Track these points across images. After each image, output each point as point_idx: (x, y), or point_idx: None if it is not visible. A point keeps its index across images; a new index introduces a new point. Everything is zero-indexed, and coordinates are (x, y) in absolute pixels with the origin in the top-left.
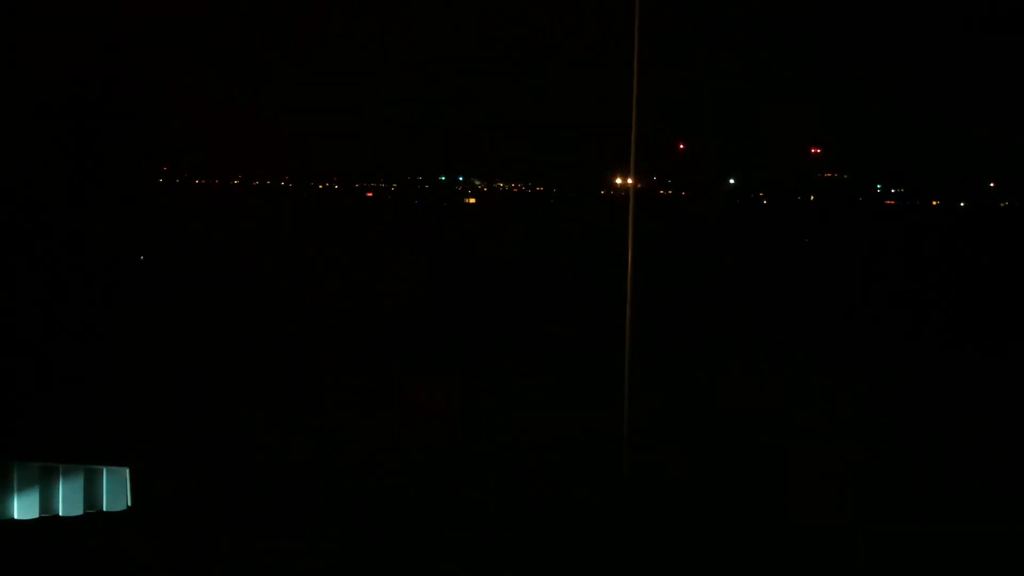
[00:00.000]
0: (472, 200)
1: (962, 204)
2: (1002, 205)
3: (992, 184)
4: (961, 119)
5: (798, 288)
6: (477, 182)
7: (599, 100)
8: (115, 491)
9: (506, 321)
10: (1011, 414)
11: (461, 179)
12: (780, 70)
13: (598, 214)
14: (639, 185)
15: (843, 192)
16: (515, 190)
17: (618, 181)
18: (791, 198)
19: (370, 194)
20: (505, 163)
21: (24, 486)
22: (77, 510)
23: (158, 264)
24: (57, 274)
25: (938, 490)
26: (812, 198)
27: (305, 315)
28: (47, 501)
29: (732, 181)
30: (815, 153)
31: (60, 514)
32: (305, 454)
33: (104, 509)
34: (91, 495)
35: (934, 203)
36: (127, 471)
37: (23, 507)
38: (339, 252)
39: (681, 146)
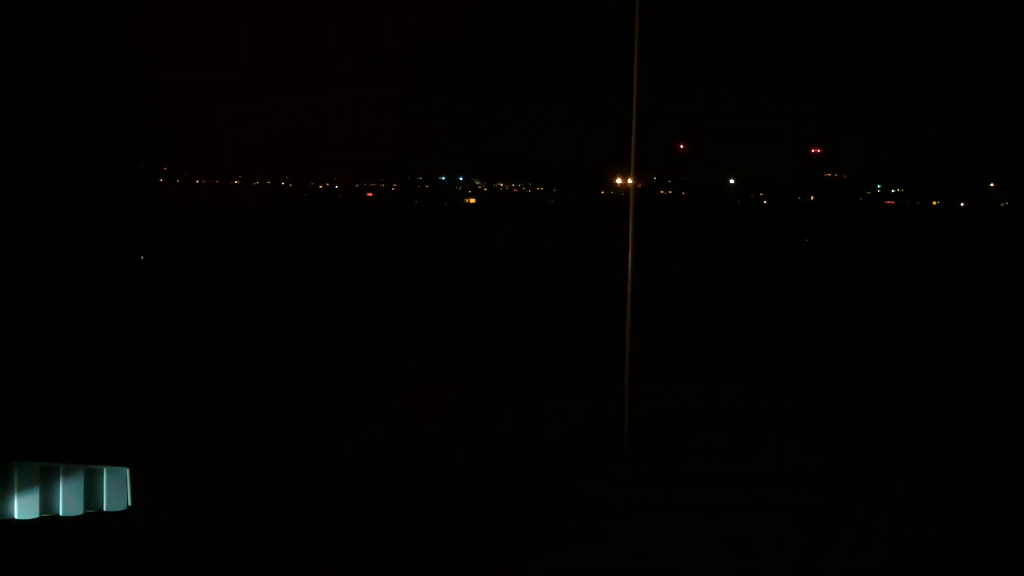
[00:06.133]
0: (472, 200)
1: (962, 204)
2: (1002, 205)
3: (992, 184)
4: (961, 119)
5: (798, 288)
6: (477, 182)
7: (599, 100)
8: (115, 491)
9: (506, 319)
10: (1011, 414)
11: (461, 179)
12: (781, 70)
13: (598, 214)
14: (639, 185)
15: (843, 192)
16: (515, 190)
17: (618, 181)
18: (791, 198)
19: (370, 194)
20: (505, 163)
21: (24, 486)
22: (77, 510)
23: (158, 264)
24: (57, 274)
25: (937, 485)
26: (812, 198)
27: (306, 314)
28: (47, 501)
29: (732, 181)
30: (815, 153)
31: (60, 514)
32: (305, 454)
33: (104, 509)
34: (91, 495)
35: (934, 203)
36: (127, 471)
37: (23, 507)
38: (340, 251)
39: (681, 146)
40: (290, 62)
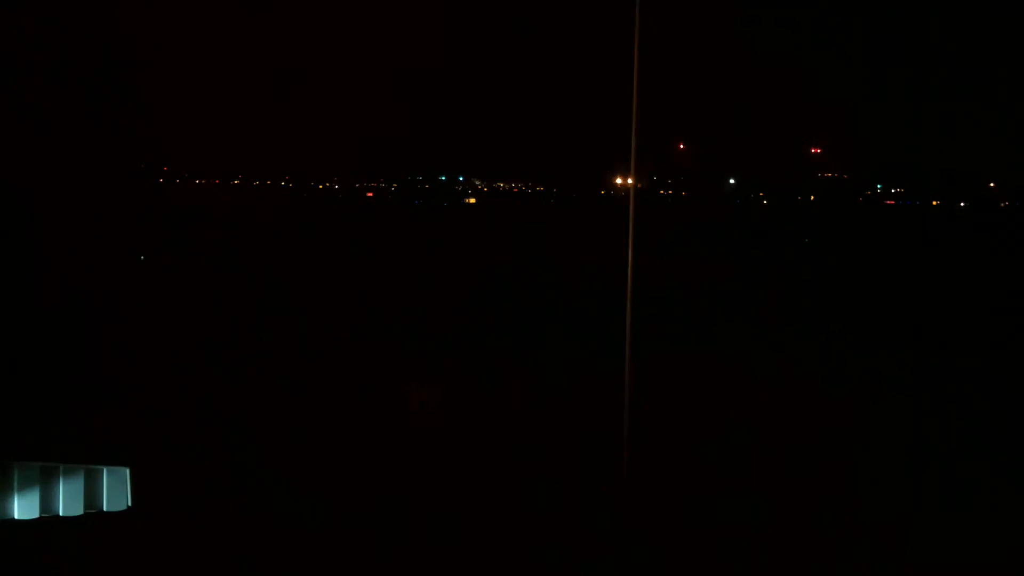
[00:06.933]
0: (472, 200)
1: (962, 204)
2: (1002, 205)
3: (992, 184)
4: (961, 119)
5: (798, 288)
6: (477, 182)
7: (599, 100)
8: (115, 491)
9: (506, 320)
10: (1010, 413)
11: (461, 179)
12: (781, 70)
13: (598, 214)
14: (639, 185)
15: (843, 192)
16: (515, 190)
17: (618, 181)
18: (791, 198)
19: (370, 194)
20: (505, 163)
21: (24, 486)
22: (77, 510)
23: (158, 264)
24: (57, 274)
25: (938, 487)
26: (812, 198)
27: (306, 315)
28: (47, 501)
29: (732, 181)
30: (815, 153)
31: (60, 514)
32: (305, 454)
33: (104, 509)
34: (91, 495)
35: (934, 203)
36: (127, 471)
37: (23, 507)
38: (339, 252)
39: (681, 146)
40: (290, 62)
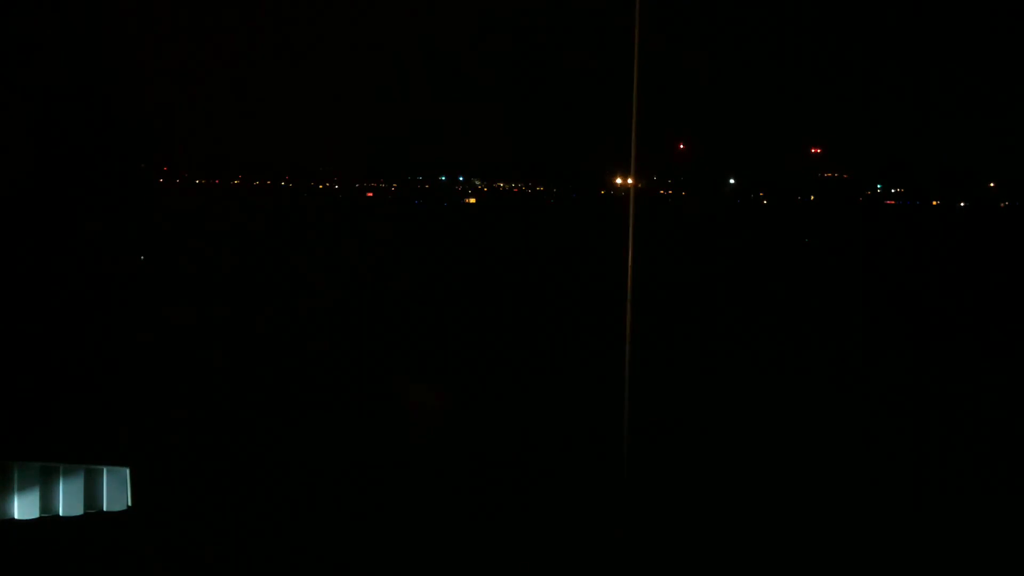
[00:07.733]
0: (472, 200)
1: (962, 204)
2: (1002, 205)
3: (992, 184)
4: (961, 118)
5: (798, 288)
6: (477, 182)
7: (599, 100)
8: (115, 491)
9: (505, 321)
10: (1011, 413)
11: (461, 179)
12: (780, 69)
13: (598, 214)
14: (639, 185)
15: (843, 192)
16: (515, 190)
17: (618, 181)
18: (791, 198)
19: (370, 194)
20: (505, 163)
21: (24, 486)
22: (77, 510)
23: (158, 264)
24: (57, 274)
25: (938, 489)
26: (812, 198)
27: (305, 315)
28: (47, 501)
29: (732, 181)
30: (815, 153)
31: (60, 514)
32: (305, 454)
33: (104, 509)
34: (91, 495)
35: (934, 203)
36: (127, 471)
37: (23, 507)
38: (339, 252)
39: (681, 146)
40: (290, 61)
